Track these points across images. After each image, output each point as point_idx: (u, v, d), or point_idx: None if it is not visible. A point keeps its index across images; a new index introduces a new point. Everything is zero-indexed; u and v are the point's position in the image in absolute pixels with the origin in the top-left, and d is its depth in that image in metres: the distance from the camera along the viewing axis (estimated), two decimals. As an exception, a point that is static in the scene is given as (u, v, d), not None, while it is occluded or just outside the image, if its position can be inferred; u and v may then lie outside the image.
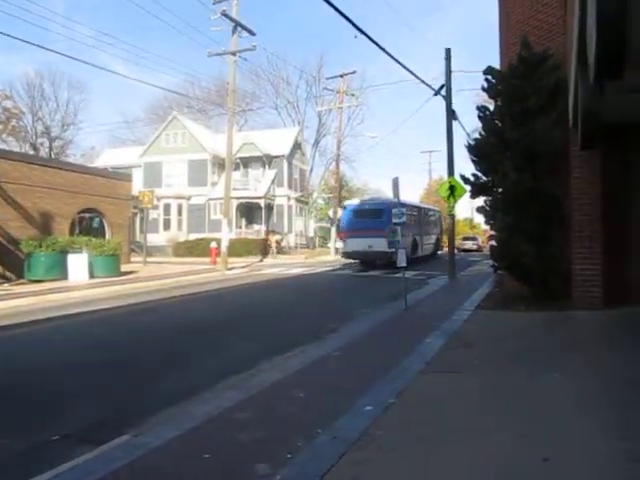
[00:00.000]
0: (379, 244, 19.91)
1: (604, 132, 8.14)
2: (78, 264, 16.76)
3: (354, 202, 25.40)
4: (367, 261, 23.58)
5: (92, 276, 17.08)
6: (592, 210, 9.32)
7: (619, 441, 3.60)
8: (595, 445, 3.55)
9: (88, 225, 23.26)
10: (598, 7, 3.56)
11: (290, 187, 42.59)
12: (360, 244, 22.23)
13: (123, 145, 55.84)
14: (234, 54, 23.11)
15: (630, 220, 9.65)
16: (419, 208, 28.29)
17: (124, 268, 19.60)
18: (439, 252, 31.58)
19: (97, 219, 23.29)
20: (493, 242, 12.24)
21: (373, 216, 21.87)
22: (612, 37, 3.66)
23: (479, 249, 42.29)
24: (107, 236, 22.17)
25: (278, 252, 35.19)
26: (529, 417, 4.13)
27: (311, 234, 48.69)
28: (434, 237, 30.42)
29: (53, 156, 50.59)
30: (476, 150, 11.43)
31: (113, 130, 74.21)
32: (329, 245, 39.26)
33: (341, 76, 36.97)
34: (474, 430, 3.91)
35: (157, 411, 4.80)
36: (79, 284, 15.83)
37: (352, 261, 25.15)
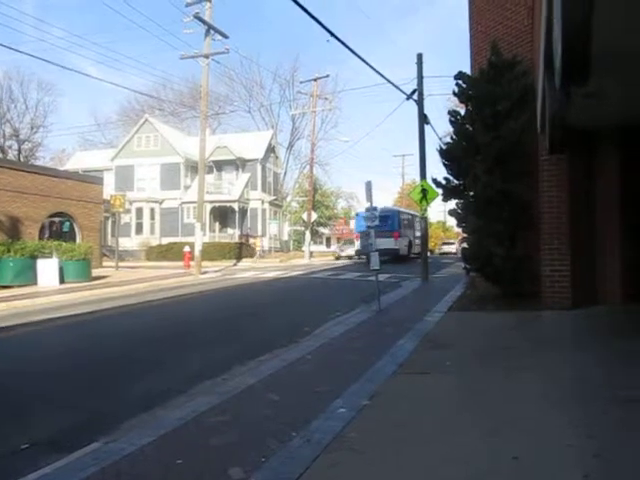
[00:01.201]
0: (386, 243, 24.75)
1: (571, 137, 8.33)
2: (48, 269, 16.47)
3: (364, 210, 28.87)
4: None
5: (62, 281, 16.80)
6: (560, 212, 9.53)
7: (587, 438, 3.68)
8: (564, 442, 3.63)
9: (58, 229, 22.88)
10: (563, 15, 3.66)
11: (264, 191, 42.54)
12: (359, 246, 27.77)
13: (94, 148, 55.14)
14: (207, 57, 23.01)
15: (596, 222, 9.90)
16: (412, 215, 31.76)
17: (95, 273, 19.32)
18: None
19: (67, 223, 22.92)
20: (465, 244, 12.42)
21: (380, 221, 24.88)
22: (577, 44, 3.77)
23: (456, 252, 43.83)
24: (78, 240, 21.84)
25: (253, 256, 35.08)
26: (500, 416, 4.20)
27: (285, 238, 48.72)
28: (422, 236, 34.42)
29: (22, 159, 49.65)
30: (448, 154, 11.59)
31: (84, 133, 73.08)
32: (303, 249, 39.28)
33: (315, 80, 37.09)
34: (446, 430, 3.96)
35: (129, 417, 4.74)
36: (49, 289, 15.54)
37: (327, 265, 26.51)
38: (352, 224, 54.38)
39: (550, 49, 4.83)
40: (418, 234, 31.56)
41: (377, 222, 11.03)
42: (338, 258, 37.07)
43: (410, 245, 30.03)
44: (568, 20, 3.64)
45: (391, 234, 26.82)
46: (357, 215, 31.07)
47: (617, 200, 9.63)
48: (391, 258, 26.01)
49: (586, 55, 3.84)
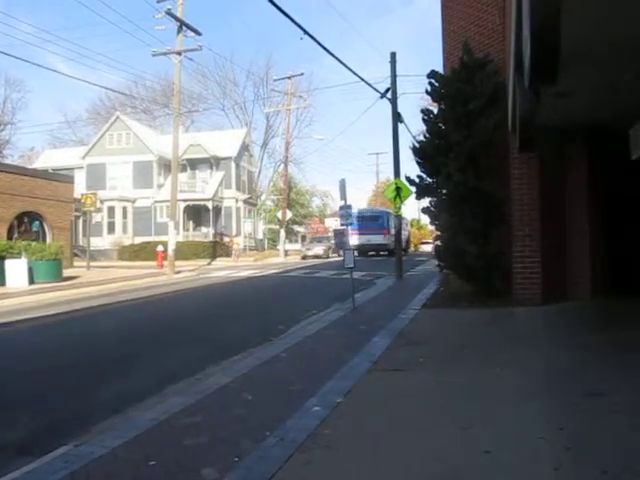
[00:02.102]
0: (378, 239, 31.40)
1: (541, 135, 8.47)
2: (16, 270, 16.12)
3: (359, 210, 34.43)
4: (367, 250, 32.56)
5: (32, 282, 16.46)
6: (531, 210, 9.68)
7: (558, 431, 3.75)
8: (535, 435, 3.69)
9: (27, 229, 22.38)
10: (532, 14, 3.71)
11: (238, 189, 42.33)
12: (363, 239, 31.59)
13: (64, 146, 54.13)
14: (179, 54, 22.78)
15: (565, 220, 10.09)
16: (400, 216, 34.89)
17: (66, 273, 18.98)
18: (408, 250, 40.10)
19: (37, 222, 22.45)
20: (438, 242, 12.53)
21: (372, 220, 32.24)
22: (545, 44, 3.83)
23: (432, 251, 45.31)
24: (48, 240, 21.42)
25: (228, 255, 34.88)
26: (473, 411, 4.25)
27: (260, 236, 48.53)
28: (406, 236, 39.73)
29: (-12, 157, 48.41)
30: (421, 152, 11.67)
31: (54, 130, 71.63)
32: (278, 247, 39.19)
33: (289, 78, 37.01)
34: (420, 426, 3.99)
35: (101, 419, 4.66)
36: (18, 290, 15.21)
37: (301, 264, 27.46)
38: (327, 222, 56.46)
39: (520, 49, 4.89)
40: (405, 232, 37.84)
41: (351, 220, 11.04)
42: (304, 258, 34.59)
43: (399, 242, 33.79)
44: (536, 19, 3.70)
45: (382, 231, 31.96)
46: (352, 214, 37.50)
47: (586, 198, 9.83)
48: (376, 253, 30.73)
49: (554, 54, 3.90)
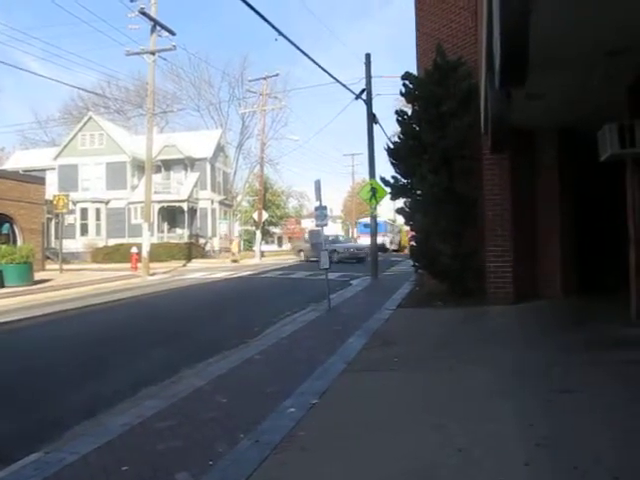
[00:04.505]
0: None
1: (512, 136, 8.59)
2: (-15, 273, 15.77)
3: (364, 220, 44.40)
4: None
5: (2, 285, 16.12)
6: (503, 210, 9.82)
7: (529, 427, 3.81)
8: (508, 433, 3.74)
9: (-4, 231, 21.92)
10: (501, 19, 3.77)
11: (214, 190, 42.03)
12: (365, 241, 33.86)
13: (36, 146, 53.08)
14: (153, 53, 22.54)
15: (537, 220, 10.27)
16: (392, 222, 47.23)
17: (38, 276, 18.62)
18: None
19: (7, 225, 21.97)
20: (413, 242, 12.60)
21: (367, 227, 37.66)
22: (515, 47, 3.90)
23: None
24: (19, 243, 20.99)
25: (203, 256, 34.63)
26: (447, 410, 4.29)
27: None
28: (398, 239, 47.64)
29: (-44, 158, 47.27)
30: (395, 153, 11.74)
31: (24, 130, 70.22)
32: (254, 248, 39.03)
33: (264, 78, 36.86)
34: (395, 426, 4.02)
35: (73, 424, 4.60)
36: (-13, 294, 14.88)
37: (277, 265, 27.12)
38: (303, 223, 57.16)
39: (491, 51, 4.96)
40: (397, 237, 47.50)
41: (326, 221, 11.02)
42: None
43: (391, 242, 44.00)
44: (506, 22, 3.76)
45: (378, 235, 36.40)
46: (359, 223, 49.13)
47: (557, 198, 10.02)
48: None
49: (523, 57, 3.97)
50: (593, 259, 10.30)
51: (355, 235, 50.29)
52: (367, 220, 42.03)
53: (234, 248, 35.24)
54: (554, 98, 7.68)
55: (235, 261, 32.85)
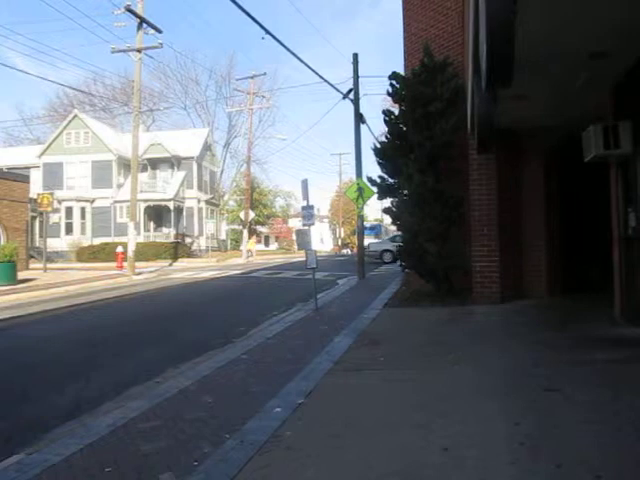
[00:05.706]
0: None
1: (499, 137, 8.65)
2: (-32, 272, 15.55)
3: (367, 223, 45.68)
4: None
5: (-16, 285, 15.90)
6: (489, 210, 9.87)
7: (514, 426, 3.83)
8: (492, 431, 3.76)
9: (-21, 230, 21.63)
10: (488, 21, 3.79)
11: (200, 189, 41.85)
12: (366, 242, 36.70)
13: (20, 144, 52.57)
14: (139, 51, 22.39)
15: (523, 220, 10.34)
16: (380, 224, 48.25)
17: (22, 275, 18.42)
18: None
19: (-11, 223, 21.72)
20: (400, 242, 12.63)
21: (371, 229, 39.58)
22: (501, 49, 3.92)
23: None
24: (2, 241, 20.74)
25: (189, 256, 34.46)
26: (433, 409, 4.30)
27: (223, 237, 48.12)
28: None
29: (-62, 155, 46.53)
30: (382, 153, 11.76)
31: (8, 128, 69.33)
32: (241, 248, 38.92)
33: (252, 77, 36.79)
34: (381, 426, 4.01)
35: (55, 426, 4.54)
36: (-31, 294, 14.68)
37: (265, 264, 27.64)
38: (291, 223, 57.49)
39: (478, 52, 4.99)
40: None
41: (313, 220, 10.99)
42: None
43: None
44: (492, 24, 3.78)
45: (376, 237, 39.73)
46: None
47: (542, 199, 10.09)
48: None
49: (509, 59, 4.00)
50: (578, 259, 10.40)
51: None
52: (372, 223, 46.81)
53: (250, 245, 36.81)
54: (539, 99, 7.73)
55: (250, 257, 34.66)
